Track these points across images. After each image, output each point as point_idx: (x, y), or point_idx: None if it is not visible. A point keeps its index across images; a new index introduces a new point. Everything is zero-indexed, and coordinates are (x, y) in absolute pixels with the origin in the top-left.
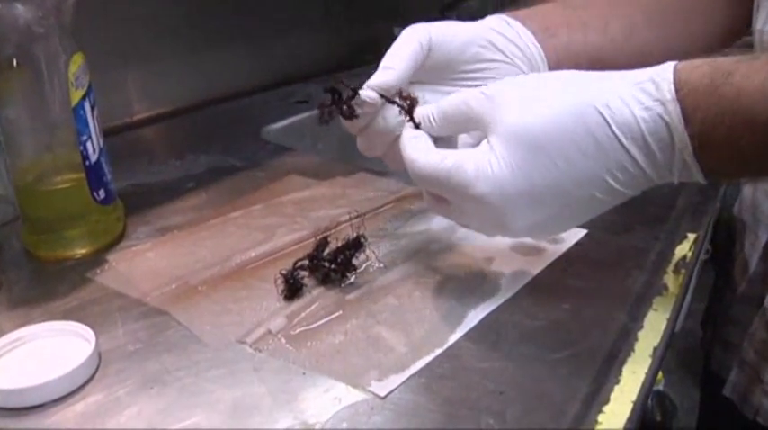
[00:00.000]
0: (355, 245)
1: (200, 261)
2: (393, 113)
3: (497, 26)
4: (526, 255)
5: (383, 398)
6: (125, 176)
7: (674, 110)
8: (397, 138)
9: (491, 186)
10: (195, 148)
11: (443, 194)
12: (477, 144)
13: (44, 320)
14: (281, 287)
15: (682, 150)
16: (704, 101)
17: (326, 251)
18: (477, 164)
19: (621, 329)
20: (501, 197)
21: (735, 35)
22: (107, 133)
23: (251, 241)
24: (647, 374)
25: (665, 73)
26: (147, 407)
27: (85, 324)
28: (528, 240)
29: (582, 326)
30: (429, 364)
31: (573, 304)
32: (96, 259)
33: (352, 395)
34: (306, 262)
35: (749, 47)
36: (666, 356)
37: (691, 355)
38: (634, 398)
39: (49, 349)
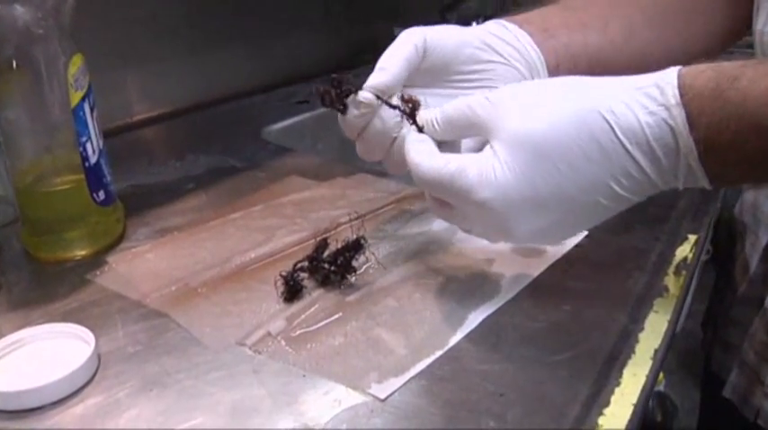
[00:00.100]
0: (355, 246)
1: (200, 262)
2: (390, 114)
3: (494, 29)
4: (527, 256)
5: (383, 400)
6: (125, 177)
7: (679, 114)
8: (396, 140)
9: (494, 192)
10: (195, 149)
11: (446, 199)
12: (480, 148)
13: (44, 322)
14: (281, 289)
15: (687, 155)
16: (709, 105)
17: (326, 253)
18: (481, 169)
19: (622, 331)
20: (504, 202)
21: (735, 36)
22: (107, 134)
23: (251, 242)
24: (647, 376)
25: (669, 77)
26: (147, 410)
27: (85, 325)
28: None
29: (582, 327)
30: (429, 366)
31: (573, 306)
32: (96, 260)
33: (351, 397)
34: (306, 263)
35: (750, 47)
36: (667, 357)
37: (691, 356)
38: (635, 400)
39: (48, 351)
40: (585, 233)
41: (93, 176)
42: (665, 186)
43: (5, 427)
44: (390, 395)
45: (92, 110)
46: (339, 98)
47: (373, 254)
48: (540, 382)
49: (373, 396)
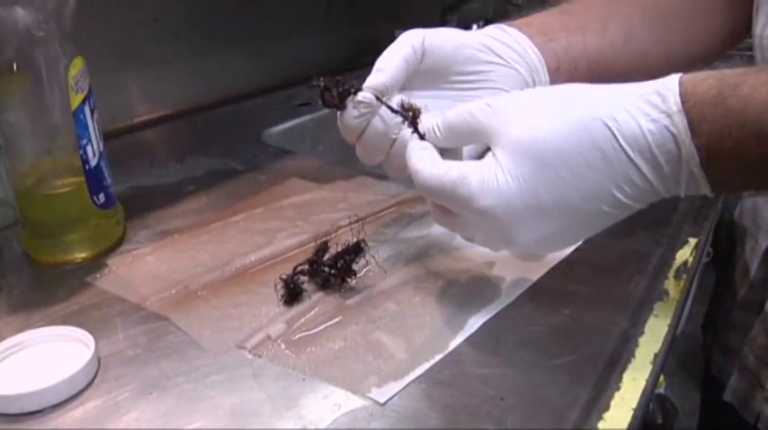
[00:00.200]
0: (355, 250)
1: (201, 265)
2: (389, 116)
3: (493, 33)
4: (527, 260)
5: (383, 404)
6: (125, 179)
7: (681, 122)
8: (395, 142)
9: (496, 199)
10: (196, 151)
11: (448, 206)
12: (482, 155)
13: (44, 325)
14: (281, 292)
15: (689, 162)
16: (711, 113)
17: (327, 256)
18: (483, 176)
19: (622, 335)
20: (506, 210)
21: (736, 38)
22: (107, 136)
23: (251, 245)
24: (647, 381)
25: (670, 84)
26: (147, 413)
27: (85, 328)
28: None
29: (582, 331)
30: (429, 370)
31: (573, 309)
32: (96, 263)
33: (351, 401)
34: (306, 266)
35: (750, 50)
36: (667, 360)
37: (692, 358)
38: (634, 405)
39: (48, 354)
40: None
41: (94, 179)
42: (667, 193)
43: None
44: (390, 399)
45: (92, 112)
46: (339, 97)
47: (373, 257)
48: (539, 386)
49: (373, 400)
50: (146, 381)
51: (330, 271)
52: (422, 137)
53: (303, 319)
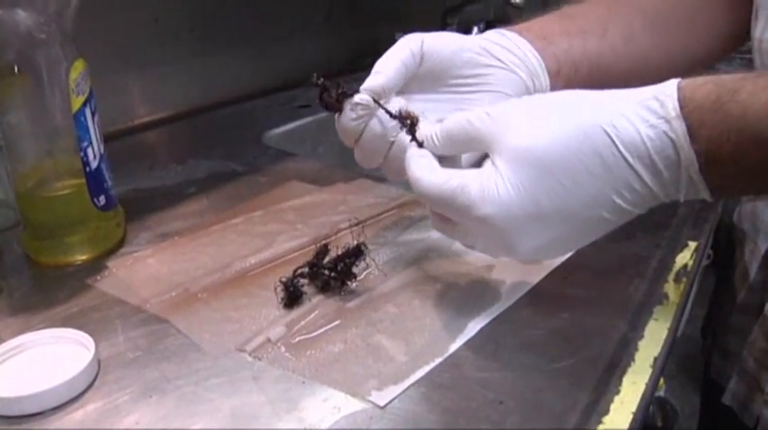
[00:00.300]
0: (355, 253)
1: (201, 268)
2: (386, 118)
3: (492, 37)
4: (526, 263)
5: (382, 407)
6: (126, 181)
7: (680, 127)
8: (393, 145)
9: (496, 208)
10: (196, 153)
11: (448, 214)
12: (480, 161)
13: (44, 327)
14: (281, 295)
15: (688, 168)
16: (710, 118)
17: (327, 259)
18: (483, 185)
19: (622, 339)
20: (507, 219)
21: (737, 41)
22: (108, 137)
23: (251, 248)
24: (647, 384)
25: (668, 90)
26: (147, 416)
27: (85, 331)
28: None
29: (582, 335)
30: (428, 374)
31: (573, 313)
32: (96, 265)
33: (351, 404)
34: (306, 269)
35: (750, 52)
36: (667, 363)
37: (691, 361)
38: (634, 408)
39: (48, 356)
40: None
41: (94, 181)
42: (667, 198)
43: None
44: (390, 402)
45: (93, 115)
46: (337, 99)
47: (373, 260)
48: (539, 390)
49: (373, 403)
50: (146, 384)
51: (330, 274)
52: (420, 144)
53: (303, 322)
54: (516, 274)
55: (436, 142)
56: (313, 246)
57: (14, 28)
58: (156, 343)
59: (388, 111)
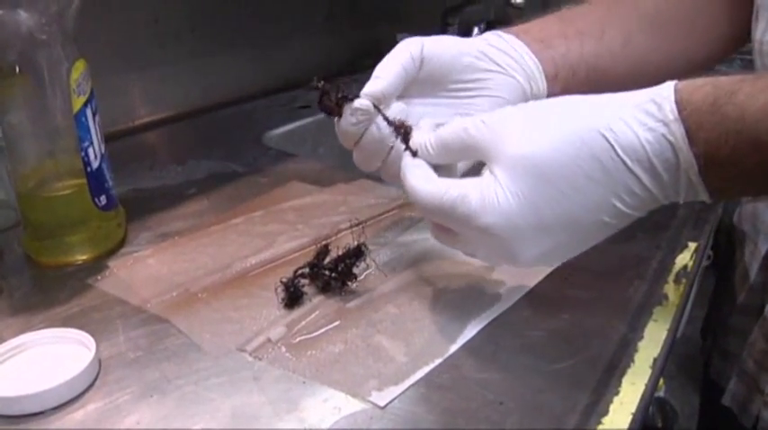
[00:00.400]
0: (356, 253)
1: (201, 268)
2: (386, 123)
3: (491, 40)
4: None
5: (382, 408)
6: (126, 181)
7: (678, 130)
8: (392, 149)
9: (497, 217)
10: (197, 154)
11: (448, 225)
12: (475, 166)
13: (45, 327)
14: (282, 295)
15: (687, 170)
16: (708, 121)
17: (327, 259)
18: (483, 194)
19: (621, 340)
20: (508, 228)
21: (737, 43)
22: (108, 137)
23: (252, 248)
24: (646, 385)
25: (665, 92)
26: (147, 416)
27: (86, 331)
28: None
29: (582, 336)
30: (428, 374)
31: (573, 314)
32: (97, 265)
33: (351, 405)
34: (306, 270)
35: (750, 53)
36: (667, 363)
37: (691, 361)
38: (633, 409)
39: (49, 356)
40: None
41: (95, 181)
42: (666, 200)
43: None
44: (390, 402)
45: (94, 115)
46: (337, 103)
47: (374, 261)
48: (538, 391)
49: (373, 403)
50: (146, 384)
51: (331, 274)
52: (414, 153)
53: (303, 323)
54: (516, 276)
55: (431, 151)
56: (313, 247)
57: (16, 28)
58: (156, 343)
59: (385, 117)
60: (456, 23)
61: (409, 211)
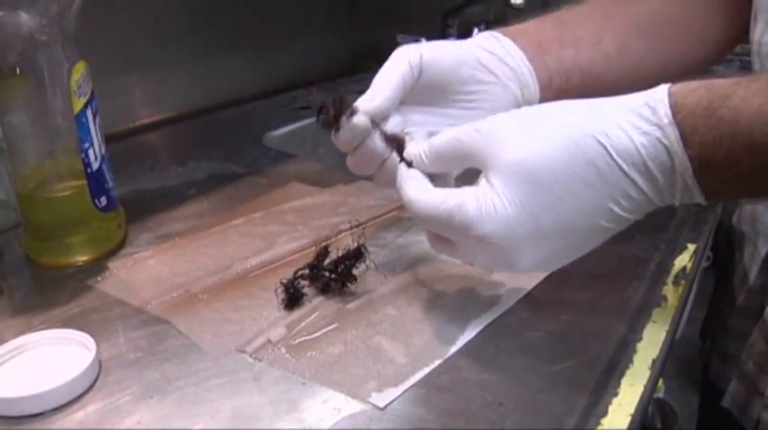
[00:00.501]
0: (356, 255)
1: (201, 269)
2: (383, 137)
3: (488, 45)
4: None
5: (382, 409)
6: (127, 182)
7: (673, 133)
8: (386, 161)
9: (494, 225)
10: (197, 154)
11: (445, 235)
12: (470, 173)
13: (45, 328)
14: (282, 296)
15: (682, 173)
16: (702, 124)
17: (327, 260)
18: (479, 203)
19: (620, 341)
20: (506, 236)
21: (733, 44)
22: (109, 138)
23: (252, 249)
24: (645, 387)
25: (659, 96)
26: (147, 417)
27: (86, 331)
28: None
29: (581, 337)
30: (428, 375)
31: (572, 315)
32: (97, 266)
33: (351, 406)
34: (306, 271)
35: (749, 55)
36: (666, 365)
37: (690, 362)
38: (632, 411)
39: (49, 357)
40: None
41: (95, 182)
42: (663, 203)
43: None
44: (389, 404)
45: (94, 116)
46: (336, 119)
47: (373, 262)
48: (538, 392)
49: (372, 404)
50: (147, 385)
51: (330, 275)
52: (409, 164)
53: (303, 324)
54: (515, 277)
55: (425, 160)
56: (313, 248)
57: (16, 30)
58: (156, 344)
59: (383, 133)
60: (456, 24)
61: (409, 213)
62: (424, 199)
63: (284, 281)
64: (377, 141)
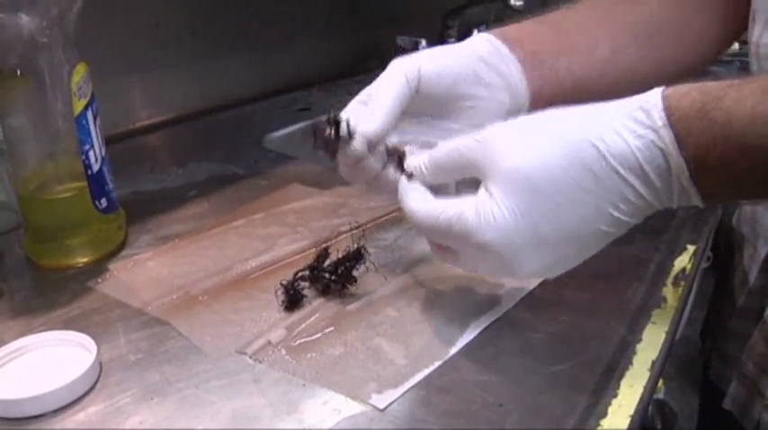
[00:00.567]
0: (356, 256)
1: (202, 270)
2: (377, 157)
3: (486, 55)
4: None
5: (382, 410)
6: (127, 184)
7: (668, 136)
8: (379, 176)
9: (494, 233)
10: (197, 156)
11: (446, 244)
12: (471, 180)
13: (45, 329)
14: (282, 298)
15: (678, 175)
16: (696, 126)
17: (327, 262)
18: (479, 211)
19: (620, 342)
20: (506, 243)
21: (729, 44)
22: (109, 140)
23: (252, 251)
24: (645, 388)
25: (653, 99)
26: (148, 418)
27: (87, 333)
28: None
29: (581, 338)
30: (428, 377)
31: (572, 316)
32: (98, 268)
33: (351, 407)
34: (306, 272)
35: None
36: (666, 365)
37: (690, 363)
38: (632, 412)
39: (50, 359)
40: None
41: (96, 184)
42: (661, 206)
43: None
44: (389, 405)
45: (95, 118)
46: (333, 146)
47: (373, 263)
48: (538, 393)
49: (372, 406)
50: (147, 386)
51: (330, 277)
52: (409, 176)
53: (303, 325)
54: (515, 278)
55: (425, 172)
56: (313, 250)
57: (17, 32)
58: (157, 345)
59: (380, 151)
60: (456, 26)
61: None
62: (424, 209)
63: (284, 282)
64: (371, 160)
